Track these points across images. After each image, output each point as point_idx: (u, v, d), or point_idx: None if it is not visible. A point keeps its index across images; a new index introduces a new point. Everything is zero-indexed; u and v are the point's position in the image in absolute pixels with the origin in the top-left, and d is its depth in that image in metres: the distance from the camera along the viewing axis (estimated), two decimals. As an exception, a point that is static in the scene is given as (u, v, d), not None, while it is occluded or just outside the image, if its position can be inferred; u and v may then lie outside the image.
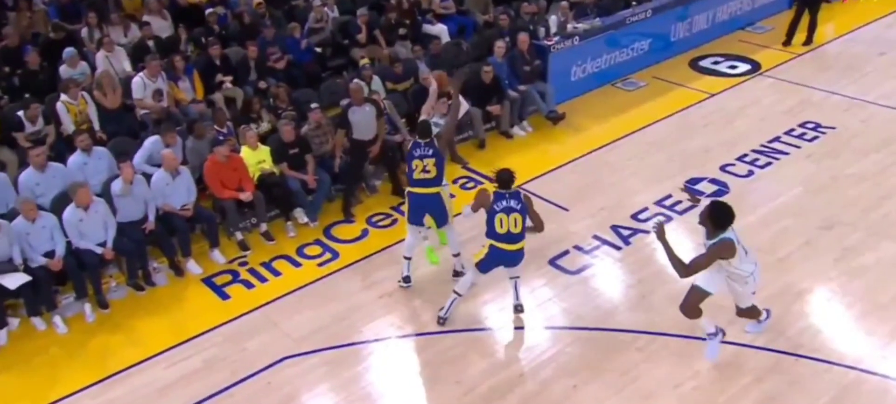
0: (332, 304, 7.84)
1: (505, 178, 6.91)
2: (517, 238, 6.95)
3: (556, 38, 11.86)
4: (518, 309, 7.39)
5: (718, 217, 6.00)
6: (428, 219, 7.82)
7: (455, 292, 7.31)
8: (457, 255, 8.03)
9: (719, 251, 6.01)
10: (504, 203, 6.87)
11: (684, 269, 6.07)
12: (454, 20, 12.99)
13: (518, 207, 6.86)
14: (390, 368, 7.06)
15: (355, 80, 10.07)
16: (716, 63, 13.00)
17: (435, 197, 7.79)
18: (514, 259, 7.11)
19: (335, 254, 8.67)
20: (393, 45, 12.05)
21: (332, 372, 7.00)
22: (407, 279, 7.95)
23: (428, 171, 7.72)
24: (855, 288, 7.56)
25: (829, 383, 6.47)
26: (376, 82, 10.60)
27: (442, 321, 7.38)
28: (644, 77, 12.66)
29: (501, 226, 6.87)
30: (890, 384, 6.43)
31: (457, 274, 7.94)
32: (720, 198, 6.17)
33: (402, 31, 12.23)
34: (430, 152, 7.72)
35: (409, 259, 7.97)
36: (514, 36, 11.51)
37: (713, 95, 11.88)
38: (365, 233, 9.02)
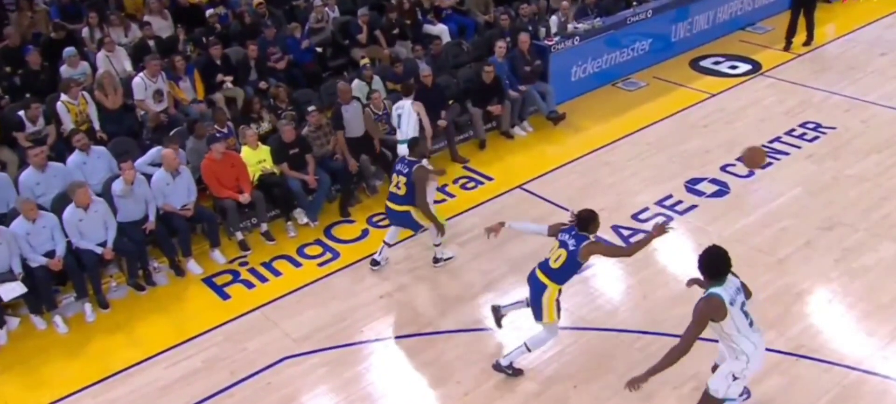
0: (333, 304, 7.84)
1: (584, 218, 6.35)
2: (550, 272, 6.35)
3: (557, 39, 11.86)
4: (498, 367, 6.75)
5: (707, 264, 5.15)
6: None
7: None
8: (437, 245, 8.20)
9: (705, 309, 5.10)
10: (565, 236, 6.34)
11: (682, 351, 5.15)
12: (455, 20, 12.99)
13: (571, 247, 6.24)
14: (391, 368, 7.05)
15: (355, 81, 10.14)
16: (716, 63, 12.99)
17: (402, 214, 7.90)
18: (535, 286, 6.46)
19: (335, 254, 8.66)
20: (393, 46, 12.05)
21: (333, 372, 6.99)
22: (375, 262, 8.21)
23: (398, 188, 7.85)
24: (855, 288, 7.55)
25: (830, 383, 6.46)
26: (377, 82, 10.61)
27: (499, 314, 6.98)
28: (645, 77, 12.65)
29: (549, 253, 6.42)
30: (890, 384, 6.42)
31: (436, 260, 8.21)
32: (717, 245, 5.25)
33: (402, 31, 12.22)
34: (405, 171, 7.81)
35: (387, 245, 8.24)
36: (515, 36, 11.51)
37: (714, 95, 11.86)
38: (365, 233, 9.01)
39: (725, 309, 5.07)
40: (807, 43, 13.22)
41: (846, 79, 12.03)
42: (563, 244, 6.30)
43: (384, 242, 8.29)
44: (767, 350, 6.50)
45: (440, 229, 8.00)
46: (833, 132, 10.48)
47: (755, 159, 7.29)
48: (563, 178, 9.90)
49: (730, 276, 5.18)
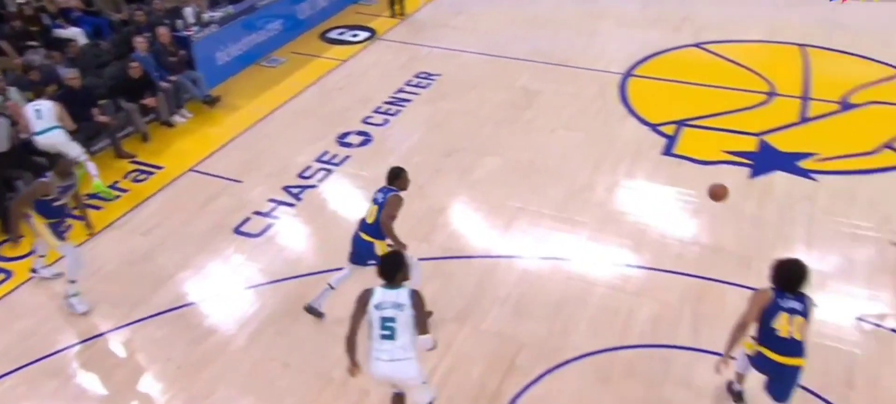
0: (19, 322, 6.83)
1: (392, 173, 6.26)
2: (369, 229, 6.18)
3: (196, 28, 11.32)
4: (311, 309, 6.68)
5: (379, 265, 5.09)
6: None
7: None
8: (72, 282, 6.93)
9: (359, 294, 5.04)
10: (377, 195, 6.20)
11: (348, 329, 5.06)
12: (87, 22, 11.62)
13: (380, 201, 6.15)
14: (99, 365, 6.41)
15: None
16: (341, 34, 13.52)
17: None
18: (363, 246, 6.28)
19: (8, 274, 7.48)
20: (25, 54, 10.42)
21: (34, 388, 6.15)
22: (33, 270, 7.45)
23: None
24: (476, 196, 8.64)
25: (474, 271, 7.39)
26: (14, 93, 9.15)
27: None
28: (284, 53, 12.70)
29: (366, 215, 6.19)
30: (512, 261, 7.54)
31: (67, 296, 6.96)
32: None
33: (32, 38, 10.62)
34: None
35: (40, 255, 7.41)
36: (154, 30, 10.73)
37: (344, 61, 12.38)
38: (36, 247, 7.86)
39: (367, 303, 4.92)
40: (401, 12, 14.29)
41: (439, 34, 13.36)
42: (375, 201, 6.25)
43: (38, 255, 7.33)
44: (423, 259, 7.18)
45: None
46: (439, 78, 11.65)
47: (718, 194, 6.85)
48: (229, 155, 9.65)
49: (405, 291, 4.92)
